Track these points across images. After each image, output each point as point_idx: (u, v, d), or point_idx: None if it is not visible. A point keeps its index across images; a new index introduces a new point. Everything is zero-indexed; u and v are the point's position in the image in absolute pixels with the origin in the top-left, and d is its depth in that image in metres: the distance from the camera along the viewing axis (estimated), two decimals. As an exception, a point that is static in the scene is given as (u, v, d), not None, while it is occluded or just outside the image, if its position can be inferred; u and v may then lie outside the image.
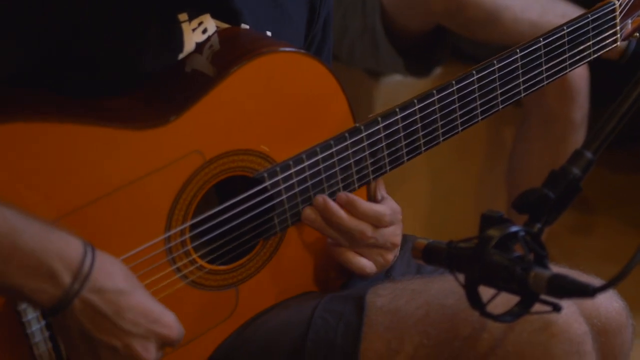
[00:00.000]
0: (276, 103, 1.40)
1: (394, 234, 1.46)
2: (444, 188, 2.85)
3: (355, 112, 1.46)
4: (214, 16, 1.42)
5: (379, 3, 2.64)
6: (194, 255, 1.38)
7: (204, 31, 1.41)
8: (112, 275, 1.25)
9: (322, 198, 1.42)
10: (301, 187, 1.41)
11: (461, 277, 1.17)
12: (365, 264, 1.45)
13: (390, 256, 1.47)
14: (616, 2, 1.57)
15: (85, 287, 1.23)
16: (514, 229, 1.16)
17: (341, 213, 1.42)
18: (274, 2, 1.50)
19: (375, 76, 2.79)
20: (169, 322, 1.27)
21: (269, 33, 1.48)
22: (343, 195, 1.43)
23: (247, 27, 1.44)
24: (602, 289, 1.10)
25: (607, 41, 1.59)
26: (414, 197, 2.81)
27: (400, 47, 2.67)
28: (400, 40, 2.67)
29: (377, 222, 1.44)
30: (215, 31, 1.42)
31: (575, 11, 2.53)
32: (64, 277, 1.22)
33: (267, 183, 1.39)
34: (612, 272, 1.10)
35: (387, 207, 1.46)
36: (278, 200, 1.41)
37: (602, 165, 3.37)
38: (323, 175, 1.42)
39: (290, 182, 1.41)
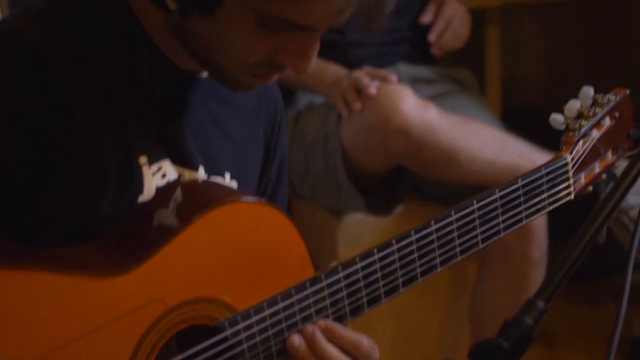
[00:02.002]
0: (238, 252, 1.41)
1: None
2: (408, 325, 2.85)
3: (315, 260, 1.47)
4: (173, 161, 1.44)
5: (340, 144, 2.68)
6: (154, 407, 1.37)
7: (164, 175, 1.43)
8: None
9: (311, 327, 1.43)
10: (262, 337, 1.41)
11: None
12: None
13: None
14: (568, 156, 1.61)
15: None
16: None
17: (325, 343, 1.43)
18: (232, 142, 1.52)
19: (337, 214, 2.82)
20: None
21: (228, 174, 1.50)
22: (322, 321, 1.44)
23: (204, 171, 1.46)
24: None
25: (561, 194, 1.62)
26: (377, 335, 2.81)
27: (362, 187, 2.70)
28: (361, 180, 2.70)
29: (355, 350, 1.44)
30: (179, 183, 1.44)
31: (531, 151, 2.57)
32: None
33: (228, 332, 1.39)
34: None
35: (364, 337, 1.47)
36: (239, 349, 1.40)
37: (566, 299, 3.39)
38: (284, 324, 1.42)
39: (251, 331, 1.41)
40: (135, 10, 1.41)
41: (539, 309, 1.22)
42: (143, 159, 1.41)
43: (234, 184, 1.51)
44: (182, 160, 1.45)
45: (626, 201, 2.51)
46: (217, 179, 1.49)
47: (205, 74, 1.47)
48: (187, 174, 1.45)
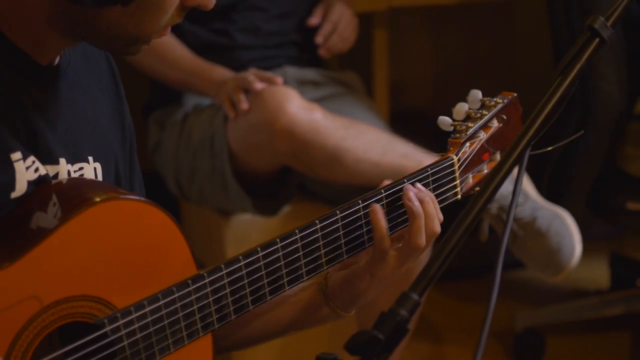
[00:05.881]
0: (117, 250, 1.39)
1: None
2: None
3: (198, 260, 1.46)
4: (36, 157, 1.42)
5: (227, 145, 2.68)
6: (30, 408, 1.34)
7: (36, 170, 1.41)
8: None
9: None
10: (143, 333, 1.39)
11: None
12: None
13: None
14: (454, 157, 1.62)
15: None
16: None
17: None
18: (89, 124, 1.51)
19: (225, 215, 2.81)
20: None
21: (90, 157, 1.49)
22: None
23: (65, 162, 1.45)
24: None
25: (448, 194, 1.62)
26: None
27: (248, 187, 2.70)
28: (248, 180, 2.70)
29: None
30: (52, 185, 1.42)
31: (417, 152, 2.59)
32: None
33: (107, 329, 1.37)
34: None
35: None
36: (119, 346, 1.38)
37: (452, 296, 3.43)
38: (166, 322, 1.41)
39: (132, 328, 1.39)
40: None
41: (413, 302, 1.25)
42: (15, 155, 1.39)
43: (97, 166, 1.50)
44: (42, 155, 1.43)
45: (507, 200, 2.55)
46: (82, 165, 1.48)
47: (57, 62, 1.46)
48: (50, 169, 1.43)
